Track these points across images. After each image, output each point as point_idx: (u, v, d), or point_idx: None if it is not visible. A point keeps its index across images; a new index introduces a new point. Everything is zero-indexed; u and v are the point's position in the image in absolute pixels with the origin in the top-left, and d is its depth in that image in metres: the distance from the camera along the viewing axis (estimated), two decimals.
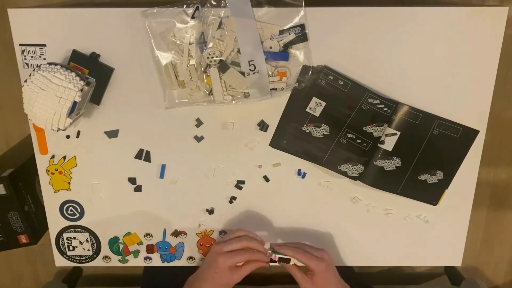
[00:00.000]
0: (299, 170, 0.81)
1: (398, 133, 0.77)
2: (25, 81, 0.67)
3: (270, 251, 0.72)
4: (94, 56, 0.73)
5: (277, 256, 0.72)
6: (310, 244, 0.76)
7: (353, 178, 0.79)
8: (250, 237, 0.73)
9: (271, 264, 0.72)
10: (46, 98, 0.66)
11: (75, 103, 0.67)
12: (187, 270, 0.90)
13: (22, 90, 0.67)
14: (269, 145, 0.79)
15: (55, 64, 0.67)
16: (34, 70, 0.67)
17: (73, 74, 0.67)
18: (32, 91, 0.66)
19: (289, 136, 0.78)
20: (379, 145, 0.78)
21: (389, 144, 0.78)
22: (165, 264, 0.88)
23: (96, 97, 0.75)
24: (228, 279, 0.71)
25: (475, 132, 0.78)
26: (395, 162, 0.78)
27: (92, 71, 0.73)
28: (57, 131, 0.69)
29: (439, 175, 0.79)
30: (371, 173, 0.79)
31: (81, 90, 0.67)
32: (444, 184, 0.80)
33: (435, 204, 0.82)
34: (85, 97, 0.71)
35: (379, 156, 0.78)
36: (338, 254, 0.87)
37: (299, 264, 0.72)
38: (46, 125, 0.68)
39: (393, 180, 0.79)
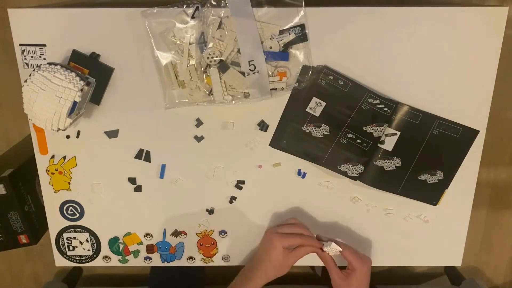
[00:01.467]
0: (299, 170, 0.81)
1: (398, 133, 0.77)
2: (25, 81, 0.67)
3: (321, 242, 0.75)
4: (94, 56, 0.73)
5: (327, 246, 0.73)
6: None
7: (353, 178, 0.79)
8: (302, 225, 0.76)
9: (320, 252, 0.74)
10: (46, 98, 0.66)
11: (75, 103, 0.67)
12: (192, 269, 0.89)
13: (22, 90, 0.67)
14: (269, 145, 0.79)
15: (55, 64, 0.67)
16: (34, 70, 0.67)
17: (73, 74, 0.67)
18: (32, 91, 0.66)
19: (289, 136, 0.78)
20: (379, 145, 0.78)
21: (389, 144, 0.78)
22: (165, 264, 0.88)
23: (96, 97, 0.75)
24: (284, 260, 0.73)
25: (475, 132, 0.78)
26: (395, 162, 0.78)
27: (92, 71, 0.73)
28: (57, 131, 0.69)
29: (439, 175, 0.79)
30: (371, 173, 0.78)
31: (81, 90, 0.67)
32: (444, 184, 0.80)
33: (435, 204, 0.82)
34: (85, 97, 0.71)
35: (379, 156, 0.78)
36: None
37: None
38: (46, 125, 0.68)
39: (393, 180, 0.79)
